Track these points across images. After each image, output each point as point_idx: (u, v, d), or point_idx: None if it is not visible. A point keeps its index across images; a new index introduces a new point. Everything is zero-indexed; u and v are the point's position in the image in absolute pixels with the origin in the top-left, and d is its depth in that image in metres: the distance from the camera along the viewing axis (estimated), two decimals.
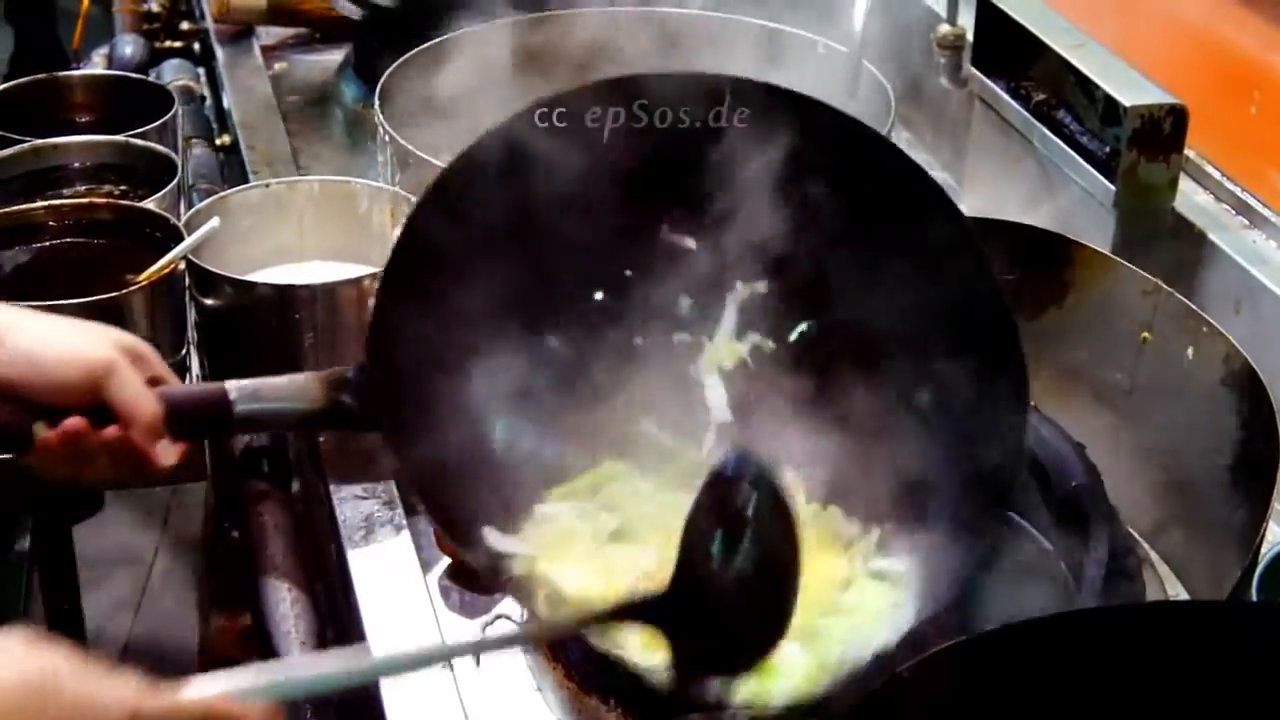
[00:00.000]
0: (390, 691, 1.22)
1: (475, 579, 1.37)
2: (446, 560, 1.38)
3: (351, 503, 1.41)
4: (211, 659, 1.83)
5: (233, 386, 1.23)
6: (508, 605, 1.34)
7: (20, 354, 1.15)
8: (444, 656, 1.18)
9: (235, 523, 1.58)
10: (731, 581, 1.04)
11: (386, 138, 1.67)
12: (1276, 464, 1.15)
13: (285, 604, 1.39)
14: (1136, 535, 1.33)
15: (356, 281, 1.55)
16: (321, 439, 1.48)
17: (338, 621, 1.39)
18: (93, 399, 1.15)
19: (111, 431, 1.15)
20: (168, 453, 1.18)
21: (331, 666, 1.00)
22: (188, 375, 1.57)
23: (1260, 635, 0.98)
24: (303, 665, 0.99)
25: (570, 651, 1.25)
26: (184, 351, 1.59)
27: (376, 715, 1.22)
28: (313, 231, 1.70)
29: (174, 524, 2.17)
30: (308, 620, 1.38)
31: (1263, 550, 1.16)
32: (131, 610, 2.02)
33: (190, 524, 2.02)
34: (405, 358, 1.22)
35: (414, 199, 1.32)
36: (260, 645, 1.39)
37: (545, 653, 1.26)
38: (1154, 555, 1.33)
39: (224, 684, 0.95)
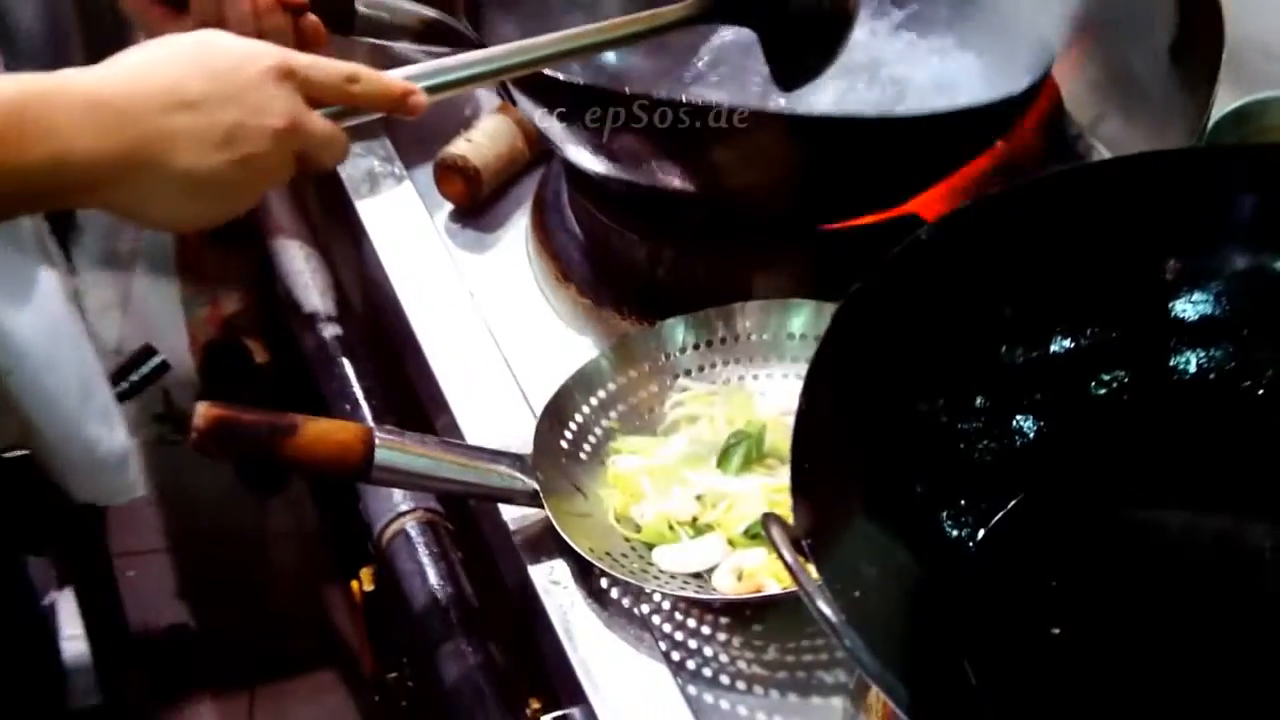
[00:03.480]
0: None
1: (478, 219, 1.35)
2: (450, 206, 1.35)
3: (351, 160, 1.36)
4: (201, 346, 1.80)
5: None
6: (512, 242, 1.33)
7: None
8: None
9: None
10: None
11: None
12: (1221, 39, 1.16)
13: (299, 259, 1.36)
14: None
15: None
16: None
17: (351, 270, 1.36)
18: None
19: None
20: None
21: (480, 59, 0.98)
22: None
23: (1217, 174, 1.00)
24: (436, 65, 0.97)
25: (579, 266, 1.25)
26: None
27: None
28: None
29: None
30: (323, 274, 1.36)
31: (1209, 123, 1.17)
32: (119, 309, 1.97)
33: None
34: None
35: None
36: (281, 302, 1.36)
37: (556, 271, 1.25)
38: (1098, 145, 1.34)
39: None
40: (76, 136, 0.83)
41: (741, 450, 1.08)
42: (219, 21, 1.19)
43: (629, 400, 1.12)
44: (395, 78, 0.94)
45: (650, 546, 1.04)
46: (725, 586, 1.00)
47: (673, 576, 1.01)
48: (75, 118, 0.83)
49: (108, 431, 1.21)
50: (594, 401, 1.11)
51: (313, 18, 1.21)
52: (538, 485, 1.03)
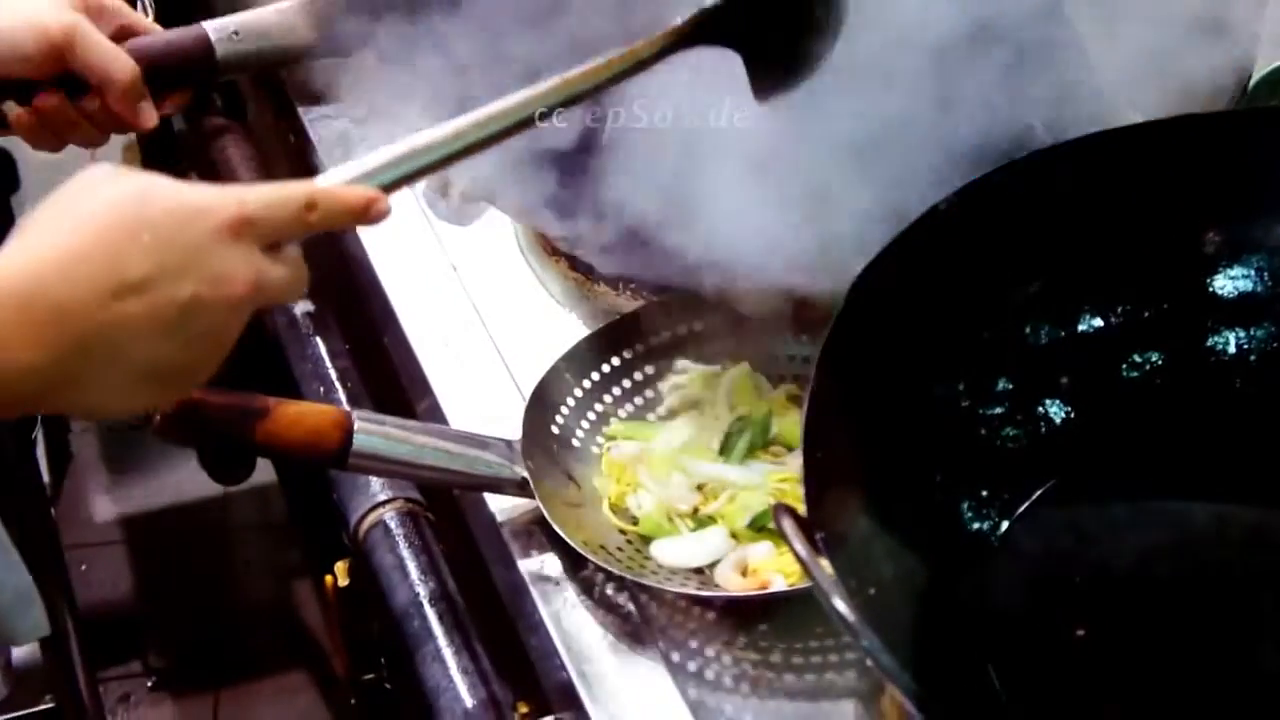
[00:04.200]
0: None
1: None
2: None
3: (323, 122, 1.37)
4: None
5: (211, 28, 1.18)
6: (497, 211, 1.33)
7: None
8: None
9: (194, 162, 1.53)
10: None
11: None
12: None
13: None
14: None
15: None
16: None
17: (323, 241, 1.36)
18: (61, 68, 1.08)
19: (90, 102, 1.10)
20: (150, 114, 1.13)
21: (429, 141, 0.92)
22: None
23: (1258, 139, 1.00)
24: (400, 149, 0.92)
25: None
26: None
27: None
28: None
29: None
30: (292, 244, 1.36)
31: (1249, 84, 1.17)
32: None
33: None
34: None
35: None
36: None
37: (545, 243, 1.25)
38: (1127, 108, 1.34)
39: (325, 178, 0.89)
40: (11, 348, 0.76)
41: (746, 436, 1.08)
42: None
43: (624, 382, 1.12)
44: (352, 186, 0.88)
45: (648, 540, 1.04)
46: (728, 583, 1.00)
47: (672, 572, 1.01)
48: (7, 328, 0.76)
49: (5, 570, 1.16)
50: (587, 384, 1.11)
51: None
52: (527, 473, 1.03)
